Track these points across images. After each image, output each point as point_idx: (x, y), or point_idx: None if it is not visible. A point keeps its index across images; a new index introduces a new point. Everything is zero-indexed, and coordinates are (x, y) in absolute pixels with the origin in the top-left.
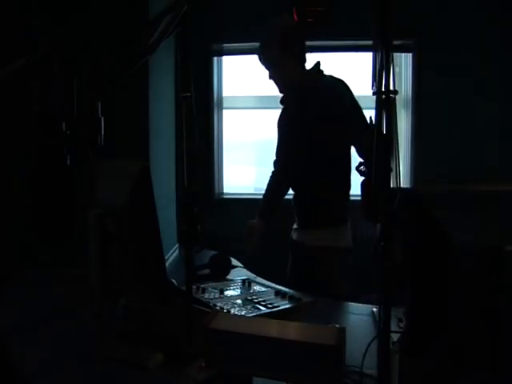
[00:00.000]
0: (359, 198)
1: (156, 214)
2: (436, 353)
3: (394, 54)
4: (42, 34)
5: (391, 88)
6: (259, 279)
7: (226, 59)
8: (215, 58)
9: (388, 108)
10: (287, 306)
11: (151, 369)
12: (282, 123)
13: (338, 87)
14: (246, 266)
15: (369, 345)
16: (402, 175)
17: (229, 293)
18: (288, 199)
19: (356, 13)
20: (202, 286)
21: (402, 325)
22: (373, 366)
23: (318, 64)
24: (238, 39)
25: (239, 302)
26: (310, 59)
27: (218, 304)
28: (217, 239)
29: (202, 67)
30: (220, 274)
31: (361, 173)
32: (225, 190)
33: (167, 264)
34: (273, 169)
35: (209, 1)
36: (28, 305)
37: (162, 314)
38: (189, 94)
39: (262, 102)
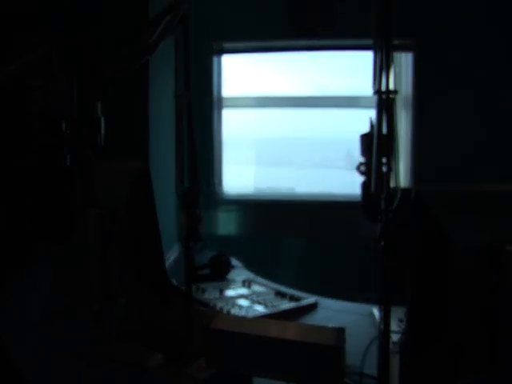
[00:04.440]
0: (359, 198)
1: (156, 213)
2: (436, 353)
3: (394, 54)
4: (42, 35)
5: (391, 88)
6: (259, 279)
7: (225, 58)
8: (215, 57)
9: (388, 108)
10: (287, 306)
11: (151, 369)
12: None
13: None
14: (246, 266)
15: (369, 345)
16: (402, 175)
17: (229, 293)
18: (284, 201)
19: (356, 12)
20: (202, 285)
21: (402, 325)
22: (373, 366)
23: None
24: (238, 38)
25: (239, 301)
26: (310, 58)
27: (218, 304)
28: (217, 239)
29: (201, 66)
30: (220, 273)
31: (361, 173)
32: (224, 190)
33: (167, 264)
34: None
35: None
36: (28, 305)
37: (162, 314)
38: (188, 94)
39: (262, 102)
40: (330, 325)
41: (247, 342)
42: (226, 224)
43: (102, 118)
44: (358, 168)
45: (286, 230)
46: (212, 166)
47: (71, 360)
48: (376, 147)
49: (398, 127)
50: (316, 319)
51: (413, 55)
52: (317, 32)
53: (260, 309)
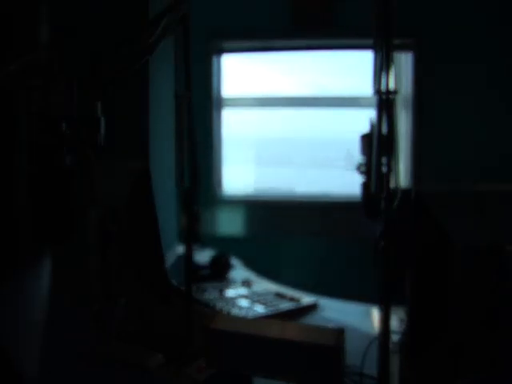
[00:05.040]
0: (359, 198)
1: (156, 213)
2: (436, 353)
3: (394, 54)
4: (42, 35)
5: (392, 88)
6: (259, 279)
7: (225, 59)
8: (215, 57)
9: (388, 108)
10: (287, 306)
11: (151, 369)
12: None
13: None
14: (246, 266)
15: (369, 345)
16: (402, 175)
17: (229, 293)
18: (284, 201)
19: (357, 11)
20: (202, 285)
21: (402, 325)
22: (373, 366)
23: None
24: (237, 37)
25: (239, 302)
26: (310, 58)
27: (218, 304)
28: (217, 239)
29: (201, 66)
30: (220, 273)
31: (361, 173)
32: (224, 190)
33: (167, 264)
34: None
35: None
36: (28, 305)
37: (162, 313)
38: (188, 94)
39: (262, 102)
40: (330, 325)
41: (247, 342)
42: (226, 224)
43: (102, 118)
44: (358, 168)
45: (285, 230)
46: (212, 165)
47: (71, 360)
48: (376, 147)
49: (398, 127)
50: (316, 319)
51: (413, 55)
52: (316, 26)
53: (260, 309)
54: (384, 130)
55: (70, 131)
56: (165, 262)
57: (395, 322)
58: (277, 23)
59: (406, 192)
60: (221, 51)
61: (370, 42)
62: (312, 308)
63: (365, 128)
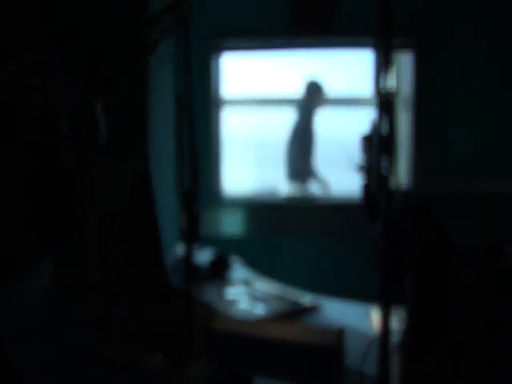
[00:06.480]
0: (359, 198)
1: (156, 214)
2: (436, 353)
3: (394, 54)
4: (42, 36)
5: (392, 88)
6: (259, 279)
7: (226, 60)
8: (215, 57)
9: (388, 109)
10: (287, 307)
11: (151, 369)
12: None
13: None
14: (246, 266)
15: (369, 345)
16: (402, 176)
17: (229, 293)
18: (284, 201)
19: (356, 11)
20: (202, 285)
21: (402, 325)
22: (373, 367)
23: None
24: (237, 36)
25: (239, 302)
26: (311, 59)
27: (218, 304)
28: (217, 239)
29: (201, 66)
30: (220, 273)
31: (361, 173)
32: (224, 190)
33: (167, 264)
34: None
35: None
36: (28, 305)
37: (162, 313)
38: (189, 94)
39: (263, 101)
40: (330, 325)
41: (247, 343)
42: (226, 224)
43: (102, 118)
44: (358, 168)
45: (285, 230)
46: (212, 165)
47: (71, 360)
48: (376, 148)
49: (398, 127)
50: (316, 319)
51: (413, 55)
52: (317, 29)
53: (260, 309)
54: (384, 130)
55: (70, 131)
56: (165, 262)
57: (395, 322)
58: (277, 23)
59: (405, 192)
60: (221, 51)
61: (370, 41)
62: (312, 308)
63: (365, 128)
